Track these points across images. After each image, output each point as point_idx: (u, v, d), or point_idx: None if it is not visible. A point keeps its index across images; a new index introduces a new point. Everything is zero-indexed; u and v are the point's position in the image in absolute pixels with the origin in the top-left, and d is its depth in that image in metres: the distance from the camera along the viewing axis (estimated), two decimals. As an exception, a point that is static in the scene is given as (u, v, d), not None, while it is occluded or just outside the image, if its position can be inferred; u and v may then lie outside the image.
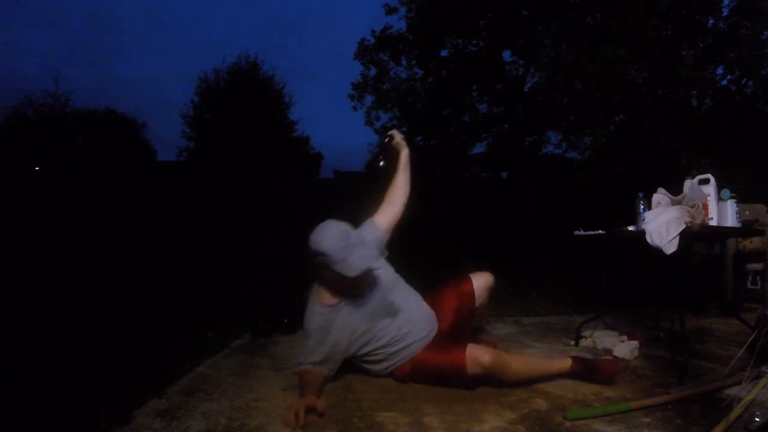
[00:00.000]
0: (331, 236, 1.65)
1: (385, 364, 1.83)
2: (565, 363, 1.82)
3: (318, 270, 1.73)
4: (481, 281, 2.10)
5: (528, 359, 1.84)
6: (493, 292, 2.16)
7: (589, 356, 2.01)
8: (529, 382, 1.75)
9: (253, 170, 12.73)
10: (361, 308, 1.76)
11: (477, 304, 2.09)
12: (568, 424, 1.47)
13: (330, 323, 1.73)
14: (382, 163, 1.92)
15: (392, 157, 1.95)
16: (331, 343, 1.71)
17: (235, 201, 10.13)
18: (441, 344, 1.83)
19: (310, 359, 1.72)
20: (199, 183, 10.86)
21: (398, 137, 1.97)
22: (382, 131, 10.29)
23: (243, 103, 15.28)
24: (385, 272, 1.87)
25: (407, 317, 1.84)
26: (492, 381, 1.69)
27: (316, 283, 1.81)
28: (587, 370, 1.80)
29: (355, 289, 1.75)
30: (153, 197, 9.60)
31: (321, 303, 1.76)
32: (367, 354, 1.81)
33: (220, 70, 16.36)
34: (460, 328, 2.02)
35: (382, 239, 1.90)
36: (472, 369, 1.66)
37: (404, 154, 1.97)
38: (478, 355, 1.66)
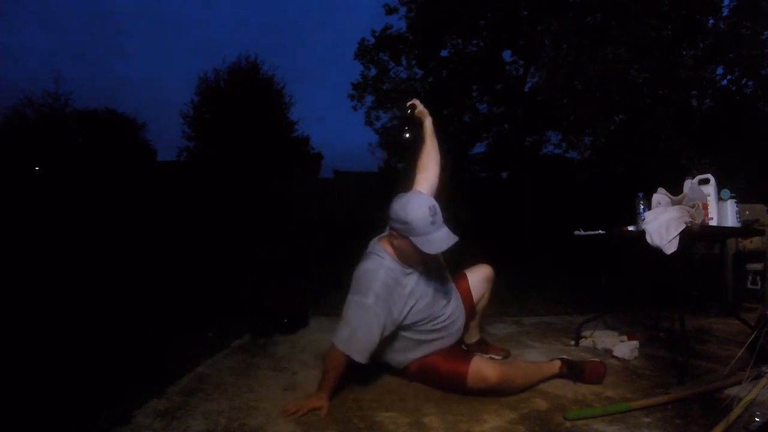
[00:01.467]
0: (419, 208, 1.57)
1: (410, 355, 1.77)
2: (554, 366, 1.84)
3: (392, 234, 1.66)
4: (477, 274, 2.11)
5: (528, 369, 1.82)
6: (494, 283, 2.16)
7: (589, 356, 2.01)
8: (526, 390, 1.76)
9: (253, 170, 12.72)
10: (428, 281, 1.72)
11: (476, 297, 2.09)
12: (568, 424, 1.47)
13: (396, 284, 1.63)
14: (407, 135, 1.89)
15: (417, 127, 1.92)
16: (370, 325, 1.59)
17: (235, 201, 10.13)
18: (450, 349, 1.83)
19: (350, 345, 1.59)
20: (199, 183, 10.86)
21: (420, 106, 1.93)
22: (383, 131, 10.31)
23: (243, 103, 15.27)
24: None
25: (455, 305, 1.85)
26: (493, 394, 1.68)
27: (382, 243, 1.71)
28: (574, 372, 1.82)
29: (423, 263, 1.70)
30: (153, 197, 9.60)
31: (391, 265, 1.65)
32: (411, 327, 1.70)
33: (220, 70, 16.36)
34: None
35: None
36: (474, 383, 1.64)
37: (428, 123, 1.94)
38: (483, 371, 1.64)
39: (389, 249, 1.70)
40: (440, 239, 1.58)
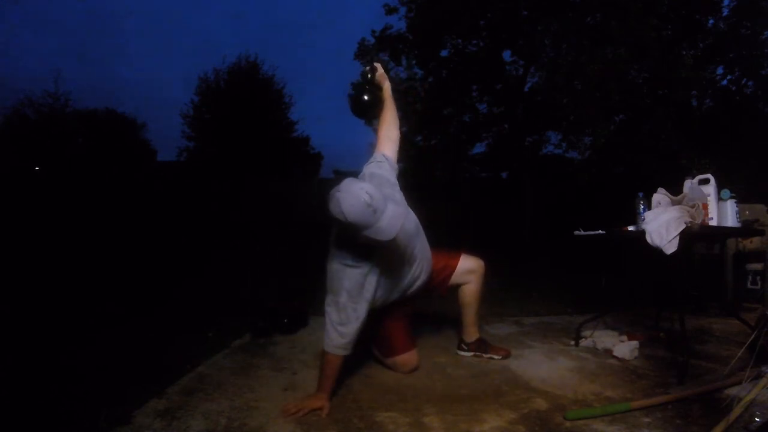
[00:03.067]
0: (353, 206, 1.48)
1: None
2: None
3: (343, 234, 1.65)
4: (466, 263, 2.13)
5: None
6: (482, 278, 2.16)
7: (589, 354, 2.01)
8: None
9: (253, 170, 12.72)
10: (387, 258, 1.74)
11: (453, 280, 2.12)
12: (568, 424, 1.47)
13: (363, 279, 1.67)
14: (366, 97, 1.90)
15: (376, 90, 1.94)
16: (364, 299, 1.67)
17: (235, 201, 10.13)
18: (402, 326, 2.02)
19: (338, 347, 1.67)
20: (199, 183, 10.85)
21: (380, 70, 1.96)
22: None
23: (243, 103, 15.27)
24: (409, 221, 1.82)
25: (421, 267, 1.93)
26: None
27: (337, 240, 1.70)
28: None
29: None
30: (153, 197, 9.60)
31: (351, 258, 1.66)
32: (377, 301, 1.79)
33: (220, 70, 16.36)
34: (425, 290, 2.09)
35: (397, 171, 1.92)
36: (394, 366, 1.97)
37: (387, 85, 1.97)
38: (402, 366, 1.96)
39: (340, 248, 1.70)
40: (388, 223, 1.52)
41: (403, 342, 2.00)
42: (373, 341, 2.05)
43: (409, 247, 1.83)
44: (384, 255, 1.71)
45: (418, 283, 1.95)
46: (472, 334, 2.22)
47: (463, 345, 2.25)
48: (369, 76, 1.94)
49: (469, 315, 2.20)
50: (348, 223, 1.51)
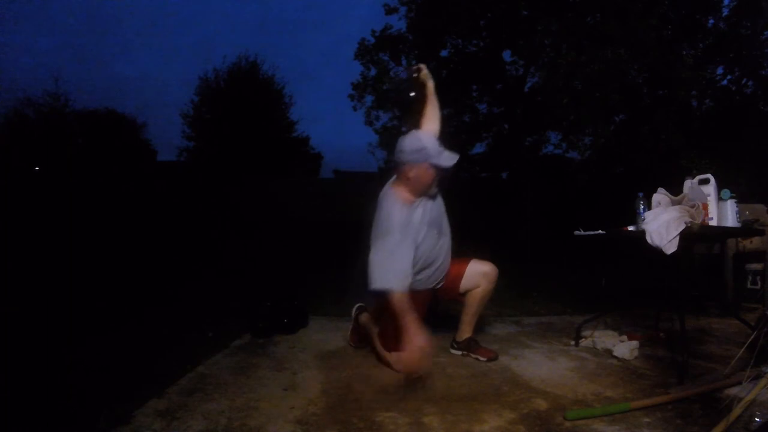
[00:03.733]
0: (428, 136, 1.96)
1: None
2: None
3: (406, 170, 1.91)
4: (477, 266, 2.17)
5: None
6: (493, 283, 2.17)
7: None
8: None
9: (253, 170, 12.73)
10: (429, 213, 1.98)
11: (464, 286, 2.15)
12: (568, 424, 1.47)
13: (410, 218, 1.90)
14: (412, 94, 2.13)
15: (420, 88, 2.14)
16: (412, 237, 1.87)
17: (235, 201, 10.13)
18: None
19: (397, 282, 1.77)
20: (198, 183, 10.86)
21: (425, 70, 2.14)
22: (383, 131, 10.29)
23: (243, 103, 15.28)
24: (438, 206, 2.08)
25: (446, 261, 2.08)
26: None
27: (393, 186, 1.97)
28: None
29: (431, 188, 1.96)
30: (153, 197, 9.60)
31: (403, 201, 1.92)
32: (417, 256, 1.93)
33: (220, 70, 16.39)
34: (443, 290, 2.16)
35: None
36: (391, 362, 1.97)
37: (430, 84, 2.16)
38: (398, 363, 1.87)
39: (399, 190, 1.95)
40: (449, 155, 1.91)
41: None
42: (380, 336, 2.09)
43: (440, 228, 2.04)
44: (427, 207, 1.97)
45: (440, 267, 2.07)
46: (465, 332, 2.24)
47: (453, 343, 2.28)
48: (415, 75, 2.12)
49: (467, 314, 2.22)
50: (421, 149, 1.88)
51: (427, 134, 1.98)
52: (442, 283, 2.13)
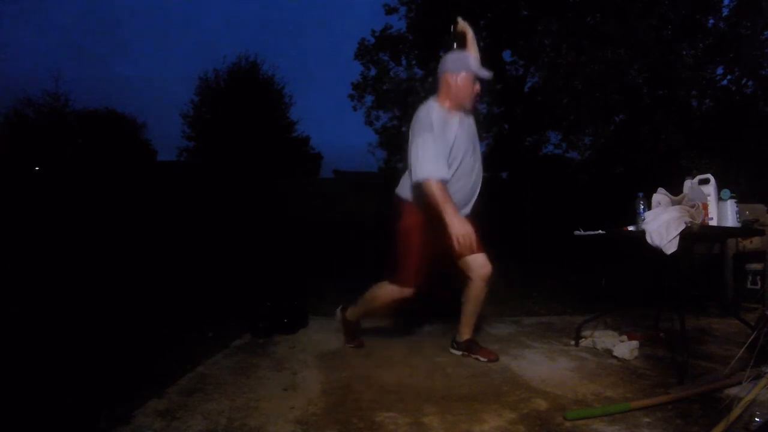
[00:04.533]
0: (470, 53, 2.17)
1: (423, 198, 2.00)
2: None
3: (447, 79, 2.05)
4: (482, 256, 2.12)
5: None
6: (485, 279, 2.12)
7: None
8: None
9: (253, 170, 12.73)
10: (466, 129, 2.08)
11: (465, 260, 2.10)
12: (568, 424, 1.47)
13: (446, 122, 1.99)
14: (455, 45, 2.29)
15: (461, 38, 2.30)
16: (443, 143, 1.94)
17: (235, 201, 10.12)
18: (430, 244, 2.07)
19: (435, 170, 1.89)
20: (199, 183, 10.86)
21: (461, 22, 2.29)
22: (383, 131, 10.30)
23: (243, 103, 15.29)
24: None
25: (479, 170, 2.17)
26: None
27: (433, 99, 2.08)
28: None
29: (469, 101, 2.08)
30: (153, 197, 9.60)
31: (440, 106, 2.03)
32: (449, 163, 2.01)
33: (220, 70, 16.40)
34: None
35: None
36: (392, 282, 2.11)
37: (470, 34, 2.29)
38: (392, 293, 2.14)
39: (440, 101, 2.06)
40: (486, 70, 2.11)
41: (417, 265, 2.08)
42: (397, 278, 2.12)
43: (474, 147, 2.14)
44: (463, 121, 2.07)
45: (473, 196, 2.17)
46: (464, 333, 2.23)
47: (454, 343, 2.28)
48: (453, 27, 2.31)
49: (465, 315, 2.21)
50: (464, 58, 2.09)
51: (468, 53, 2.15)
52: (468, 209, 2.17)
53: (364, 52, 10.02)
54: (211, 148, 15.29)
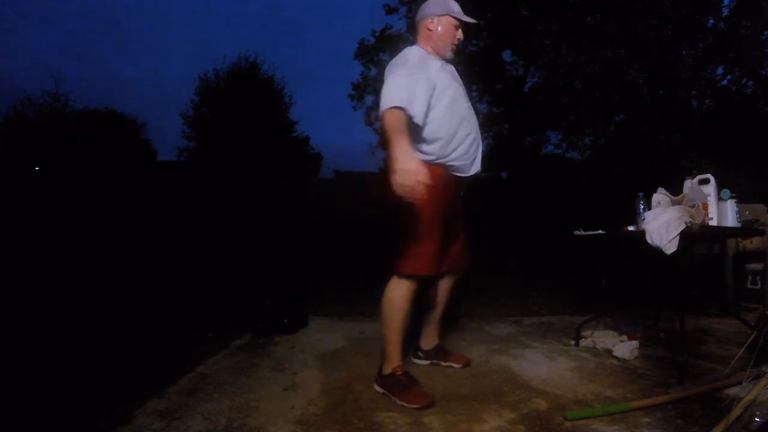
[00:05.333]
0: None
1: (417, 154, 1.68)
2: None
3: (427, 24, 1.85)
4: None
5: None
6: (461, 270, 2.03)
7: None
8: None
9: (253, 170, 12.72)
10: (451, 81, 1.82)
11: (449, 265, 1.93)
12: (568, 424, 1.47)
13: (425, 61, 1.75)
14: None
15: None
16: (421, 80, 1.66)
17: (235, 201, 10.11)
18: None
19: (394, 97, 1.59)
20: (199, 183, 10.85)
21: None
22: (383, 131, 10.31)
23: (243, 103, 15.29)
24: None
25: (476, 134, 1.88)
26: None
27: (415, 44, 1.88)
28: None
29: (451, 49, 1.87)
30: (153, 197, 9.59)
31: (421, 47, 1.84)
32: (434, 120, 1.74)
33: (220, 70, 16.39)
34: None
35: None
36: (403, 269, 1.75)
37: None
38: (397, 289, 1.76)
39: (420, 45, 1.85)
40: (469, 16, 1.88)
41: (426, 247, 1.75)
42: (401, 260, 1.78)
43: (468, 105, 1.88)
44: (447, 71, 1.83)
45: (475, 154, 1.89)
46: (431, 340, 2.07)
47: (419, 353, 2.08)
48: None
49: (438, 314, 2.04)
50: (444, 3, 1.85)
51: None
52: (472, 172, 1.91)
53: (364, 52, 10.03)
54: (211, 148, 15.29)
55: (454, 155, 1.80)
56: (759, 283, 3.24)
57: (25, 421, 1.50)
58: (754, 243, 3.22)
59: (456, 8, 1.85)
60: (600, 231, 2.31)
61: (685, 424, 1.45)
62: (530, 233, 8.85)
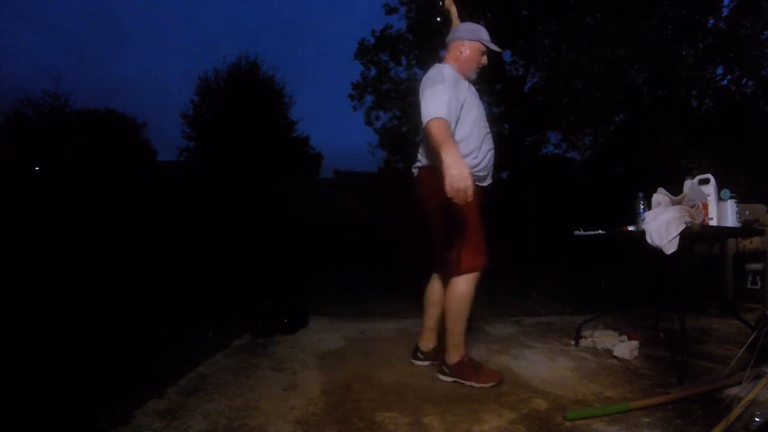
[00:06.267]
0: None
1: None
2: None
3: (458, 46, 2.03)
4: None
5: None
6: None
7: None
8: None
9: (253, 170, 12.72)
10: (476, 102, 2.03)
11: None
12: (568, 424, 1.47)
13: (458, 81, 1.94)
14: (438, 19, 2.38)
15: (444, 15, 2.35)
16: (454, 97, 1.85)
17: (235, 201, 10.12)
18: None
19: (439, 109, 1.74)
20: (199, 183, 10.85)
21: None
22: (383, 131, 10.30)
23: (243, 103, 15.28)
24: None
25: (492, 154, 2.07)
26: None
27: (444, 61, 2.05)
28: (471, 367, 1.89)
29: (475, 72, 2.06)
30: (153, 197, 9.59)
31: (453, 67, 1.99)
32: (460, 129, 1.92)
33: (220, 70, 16.38)
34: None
35: None
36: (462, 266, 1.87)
37: (453, 10, 2.32)
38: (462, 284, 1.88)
39: (449, 63, 2.01)
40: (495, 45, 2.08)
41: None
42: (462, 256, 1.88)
43: (484, 122, 2.07)
44: (472, 92, 2.03)
45: (490, 166, 2.07)
46: (430, 342, 2.10)
47: (419, 354, 2.09)
48: (441, 3, 2.33)
49: (433, 326, 2.10)
50: (477, 30, 2.05)
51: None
52: (488, 182, 2.11)
53: (364, 52, 10.01)
54: (211, 148, 15.28)
55: (480, 166, 1.98)
56: (759, 283, 3.24)
57: (26, 421, 1.50)
58: (754, 243, 3.22)
59: (485, 36, 2.04)
60: (600, 231, 2.31)
61: (685, 424, 1.45)
62: (530, 233, 8.85)
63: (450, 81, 1.87)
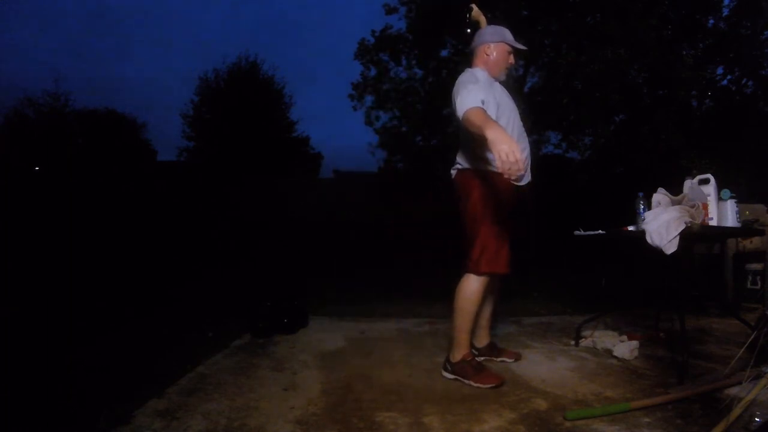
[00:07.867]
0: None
1: (475, 163, 2.03)
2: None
3: (484, 50, 2.07)
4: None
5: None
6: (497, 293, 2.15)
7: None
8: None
9: (253, 170, 12.72)
10: (507, 103, 2.07)
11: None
12: (568, 424, 1.47)
13: (491, 83, 2.01)
14: (468, 30, 2.33)
15: (474, 25, 2.34)
16: (490, 97, 1.89)
17: (235, 201, 10.12)
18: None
19: (474, 102, 1.77)
20: (199, 183, 10.86)
21: (475, 9, 2.33)
22: (383, 131, 10.30)
23: (243, 103, 15.28)
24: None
25: (527, 153, 2.09)
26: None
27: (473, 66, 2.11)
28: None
29: (504, 73, 2.10)
30: (153, 197, 9.60)
31: (483, 70, 2.05)
32: None
33: (220, 70, 16.39)
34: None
35: None
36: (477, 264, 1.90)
37: (483, 20, 2.33)
38: (470, 282, 1.92)
39: (479, 67, 2.07)
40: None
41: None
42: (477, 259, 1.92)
43: (518, 120, 2.12)
44: (504, 92, 2.09)
45: (526, 165, 2.10)
46: (483, 339, 2.19)
47: (473, 351, 2.07)
48: (468, 15, 2.34)
49: (485, 323, 2.19)
50: (501, 32, 2.09)
51: None
52: (527, 182, 2.18)
53: (364, 52, 9.98)
54: (211, 148, 15.28)
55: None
56: (759, 283, 3.24)
57: (26, 421, 1.50)
58: (754, 243, 3.22)
59: (509, 37, 2.09)
60: (600, 231, 2.31)
61: (685, 424, 1.45)
62: (530, 233, 8.85)
63: (483, 82, 1.93)
